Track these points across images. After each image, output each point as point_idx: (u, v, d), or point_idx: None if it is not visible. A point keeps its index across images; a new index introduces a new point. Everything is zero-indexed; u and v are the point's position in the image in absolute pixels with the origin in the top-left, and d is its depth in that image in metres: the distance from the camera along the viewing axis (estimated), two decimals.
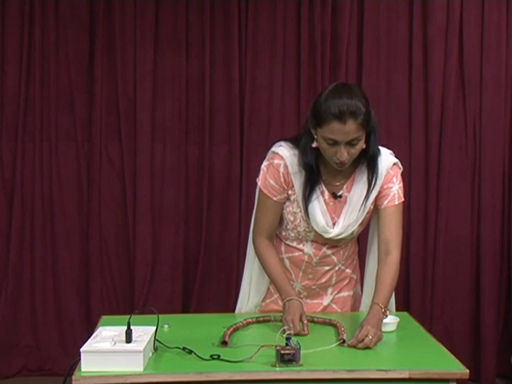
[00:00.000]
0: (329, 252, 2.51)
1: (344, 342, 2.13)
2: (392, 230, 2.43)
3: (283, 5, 3.97)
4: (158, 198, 4.06)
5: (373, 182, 2.41)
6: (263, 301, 2.58)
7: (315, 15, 3.94)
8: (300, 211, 2.44)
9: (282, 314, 2.41)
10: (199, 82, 4.01)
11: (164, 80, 4.02)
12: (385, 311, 2.26)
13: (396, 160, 2.48)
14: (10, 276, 4.01)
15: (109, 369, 1.90)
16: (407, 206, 4.04)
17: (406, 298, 4.05)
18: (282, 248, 2.54)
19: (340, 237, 2.45)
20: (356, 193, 2.43)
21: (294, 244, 2.52)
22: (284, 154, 2.42)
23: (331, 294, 2.58)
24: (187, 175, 4.07)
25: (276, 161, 2.43)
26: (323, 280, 2.54)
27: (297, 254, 2.51)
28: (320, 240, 2.47)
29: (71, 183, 4.05)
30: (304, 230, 2.46)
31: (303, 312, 2.32)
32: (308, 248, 2.50)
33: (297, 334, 2.17)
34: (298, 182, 2.41)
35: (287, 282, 2.44)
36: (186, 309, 4.05)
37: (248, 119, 3.99)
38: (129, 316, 2.00)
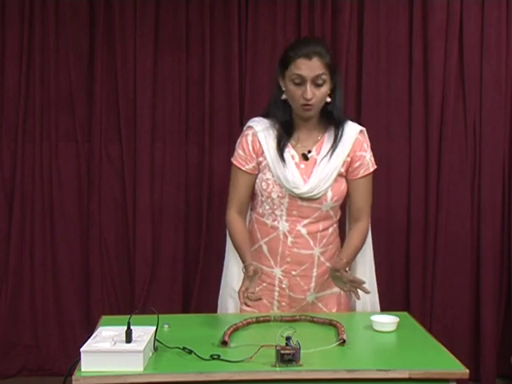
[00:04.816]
0: (304, 231, 2.53)
1: (344, 341, 2.13)
2: (364, 199, 2.60)
3: (283, 5, 3.97)
4: (158, 198, 4.06)
5: (339, 134, 2.52)
6: None
7: (315, 15, 3.94)
8: (272, 176, 2.51)
9: (281, 314, 2.44)
10: (199, 82, 4.01)
11: (164, 80, 4.02)
12: (349, 268, 2.46)
13: (363, 128, 2.61)
14: (10, 276, 4.01)
15: (109, 369, 1.91)
16: (407, 206, 4.04)
17: (406, 298, 4.05)
18: (258, 235, 2.58)
19: (313, 193, 2.48)
20: (325, 153, 2.52)
21: (270, 221, 2.54)
22: (253, 124, 2.57)
23: (314, 290, 2.58)
24: (187, 175, 4.07)
25: (245, 132, 2.58)
26: (303, 267, 2.54)
27: (272, 235, 2.53)
28: (295, 209, 2.50)
29: (71, 183, 4.05)
30: (278, 196, 2.51)
31: (253, 276, 2.34)
32: (283, 224, 2.53)
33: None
34: (268, 145, 2.52)
35: (248, 250, 2.51)
36: (185, 309, 4.05)
37: (248, 119, 3.97)
38: (129, 316, 2.00)
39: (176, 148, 4.05)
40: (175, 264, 4.07)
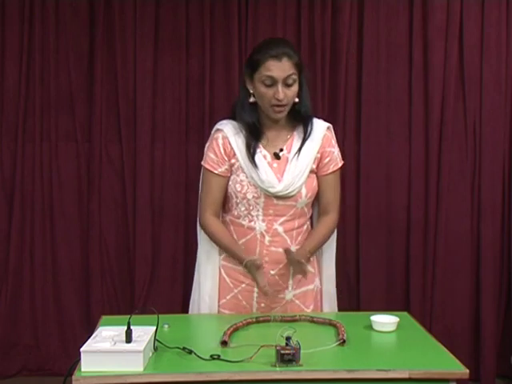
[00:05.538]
0: (280, 229, 2.54)
1: (344, 342, 2.13)
2: (334, 194, 2.60)
3: (283, 5, 3.97)
4: (157, 198, 4.06)
5: (308, 130, 2.54)
6: (224, 297, 2.60)
7: (315, 15, 3.94)
8: (246, 177, 2.52)
9: (281, 314, 2.44)
10: (199, 82, 4.01)
11: (164, 80, 4.02)
12: (309, 258, 2.49)
13: (330, 124, 2.63)
14: (10, 276, 4.01)
15: (109, 369, 1.91)
16: (407, 206, 4.04)
17: (406, 298, 4.05)
18: (235, 236, 2.59)
19: (288, 191, 2.50)
20: (295, 151, 2.53)
21: (246, 222, 2.55)
22: (222, 126, 2.57)
23: (292, 288, 2.59)
24: (187, 175, 4.07)
25: (215, 135, 2.57)
26: (280, 265, 2.54)
27: (249, 236, 2.54)
28: (271, 208, 2.52)
29: (71, 183, 4.05)
30: (253, 197, 2.52)
31: (261, 270, 2.46)
32: (259, 224, 2.53)
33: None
34: (239, 147, 2.53)
35: (239, 246, 2.54)
36: (185, 309, 4.03)
37: None
38: (129, 316, 2.00)
39: (176, 148, 4.05)
40: (175, 264, 4.07)
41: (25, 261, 4.03)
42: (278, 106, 2.46)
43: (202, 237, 2.70)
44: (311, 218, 2.68)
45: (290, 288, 2.59)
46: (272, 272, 2.55)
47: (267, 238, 2.54)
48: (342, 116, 3.99)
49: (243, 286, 2.58)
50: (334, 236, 2.70)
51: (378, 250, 4.05)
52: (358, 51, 4.00)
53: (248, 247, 2.55)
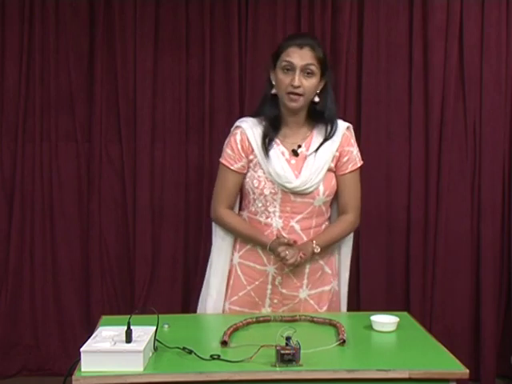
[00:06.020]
0: (297, 227, 2.53)
1: (344, 341, 2.13)
2: (352, 194, 2.59)
3: (283, 5, 3.97)
4: (157, 198, 4.06)
5: (328, 129, 2.54)
6: (236, 294, 2.60)
7: (315, 15, 3.94)
8: (264, 173, 2.52)
9: (281, 314, 2.44)
10: (199, 81, 4.01)
11: (164, 80, 4.02)
12: (315, 249, 2.46)
13: (350, 124, 2.64)
14: (10, 276, 4.01)
15: (109, 369, 1.91)
16: (407, 206, 4.04)
17: (406, 298, 4.05)
18: None
19: (305, 187, 2.49)
20: (314, 149, 2.54)
21: (263, 218, 2.54)
22: (241, 123, 2.59)
23: (307, 287, 2.58)
24: (187, 175, 4.07)
25: (234, 132, 2.60)
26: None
27: (266, 232, 2.53)
28: (288, 205, 2.51)
29: (71, 183, 4.05)
30: (270, 193, 2.51)
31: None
32: (276, 221, 2.53)
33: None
34: (257, 141, 2.53)
35: (259, 231, 2.53)
36: (185, 309, 4.05)
37: None
38: (129, 316, 2.00)
39: (176, 148, 4.05)
40: (175, 264, 4.07)
41: (25, 261, 4.03)
42: (294, 93, 2.46)
43: (215, 232, 2.67)
44: (330, 219, 2.66)
45: (304, 287, 2.58)
46: (287, 269, 2.55)
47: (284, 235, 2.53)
48: (342, 116, 3.98)
49: (257, 283, 2.58)
50: (351, 238, 2.70)
51: (378, 249, 4.05)
52: (358, 51, 4.00)
53: None
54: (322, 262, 2.60)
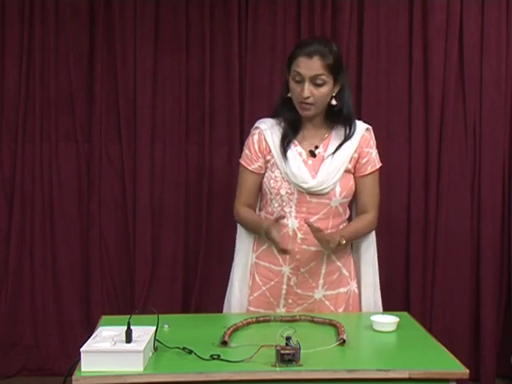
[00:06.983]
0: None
1: (344, 341, 2.13)
2: (371, 195, 2.59)
3: (283, 5, 3.97)
4: (157, 198, 4.06)
5: (349, 131, 2.53)
6: (251, 294, 2.60)
7: (315, 15, 3.94)
8: (280, 173, 2.53)
9: (281, 314, 2.43)
10: (199, 81, 4.01)
11: (164, 80, 4.02)
12: (340, 241, 2.39)
13: (369, 126, 2.63)
14: (10, 276, 4.01)
15: (109, 369, 1.91)
16: (407, 206, 4.04)
17: (406, 298, 4.05)
18: None
19: (321, 187, 2.49)
20: (332, 150, 2.53)
21: None
22: (260, 124, 2.59)
23: (322, 287, 2.58)
24: (187, 175, 4.07)
25: (252, 132, 2.60)
26: (312, 264, 2.54)
27: (282, 233, 2.50)
28: (304, 206, 2.51)
29: (71, 183, 4.05)
30: (286, 193, 2.51)
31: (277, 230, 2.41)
32: (292, 222, 2.52)
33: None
34: (274, 142, 2.54)
35: (262, 218, 2.55)
36: (185, 309, 4.05)
37: (248, 119, 3.99)
38: (129, 316, 2.00)
39: (176, 148, 4.05)
40: (175, 264, 4.07)
41: (25, 261, 4.03)
42: (305, 103, 2.47)
43: (238, 233, 2.67)
44: (349, 220, 2.65)
45: (319, 288, 2.58)
46: (302, 270, 2.54)
47: (299, 236, 2.52)
48: None
49: (272, 283, 2.58)
50: (373, 239, 2.68)
51: (378, 250, 4.03)
52: (358, 51, 4.00)
53: None
54: (339, 264, 2.59)
